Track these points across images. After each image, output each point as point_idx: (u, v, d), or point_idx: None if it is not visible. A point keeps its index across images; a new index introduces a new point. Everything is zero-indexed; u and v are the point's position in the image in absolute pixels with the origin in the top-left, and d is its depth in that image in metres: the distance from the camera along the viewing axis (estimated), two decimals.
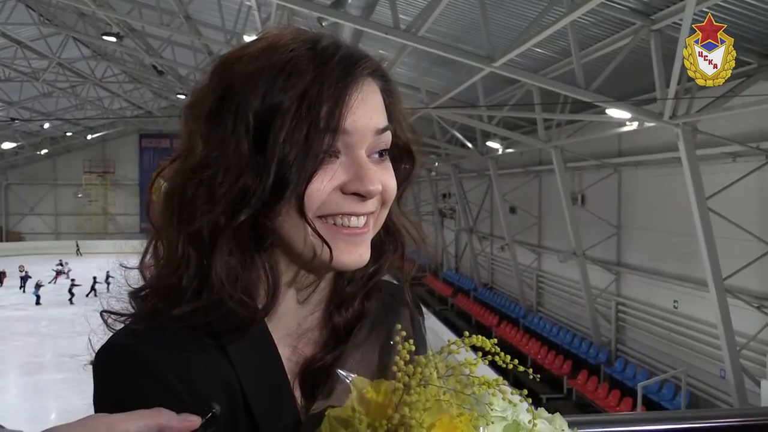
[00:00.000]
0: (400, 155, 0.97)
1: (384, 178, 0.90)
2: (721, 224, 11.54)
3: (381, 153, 0.91)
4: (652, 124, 11.84)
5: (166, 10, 18.41)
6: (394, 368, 0.80)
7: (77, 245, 45.61)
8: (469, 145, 22.22)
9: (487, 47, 11.38)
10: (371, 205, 0.89)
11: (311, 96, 0.83)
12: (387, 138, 0.91)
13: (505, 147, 20.87)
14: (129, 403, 0.77)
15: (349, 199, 0.87)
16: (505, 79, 15.29)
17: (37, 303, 28.47)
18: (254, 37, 0.93)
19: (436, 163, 30.05)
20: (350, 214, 0.88)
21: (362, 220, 0.89)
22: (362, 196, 0.87)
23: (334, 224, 0.88)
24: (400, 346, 0.81)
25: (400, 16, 11.29)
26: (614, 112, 12.15)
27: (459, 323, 23.96)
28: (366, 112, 0.87)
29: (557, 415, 0.88)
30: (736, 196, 12.00)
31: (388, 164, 0.92)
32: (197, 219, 0.85)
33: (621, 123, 13.49)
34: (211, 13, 18.25)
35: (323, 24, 11.58)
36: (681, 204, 12.43)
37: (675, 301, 14.91)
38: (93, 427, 0.73)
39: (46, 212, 49.56)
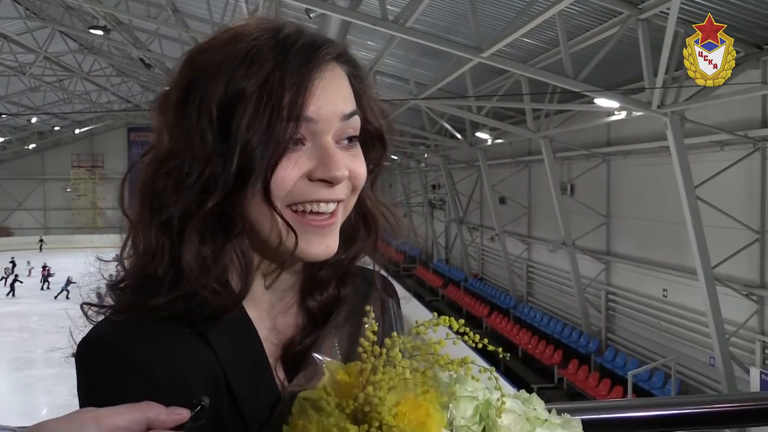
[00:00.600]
0: (371, 141, 0.96)
1: (352, 164, 0.90)
2: (710, 213, 11.60)
3: (350, 139, 0.90)
4: (640, 114, 11.87)
5: (153, 2, 18.32)
6: (359, 349, 0.81)
7: (41, 240, 45.31)
8: (459, 136, 22.21)
9: (475, 38, 11.37)
10: (340, 191, 0.89)
11: (273, 83, 0.83)
12: (355, 124, 0.91)
13: (494, 137, 20.88)
14: (112, 394, 0.78)
15: (317, 185, 0.87)
16: (494, 70, 15.29)
17: (68, 297, 27.75)
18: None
19: (426, 155, 30.07)
20: (319, 201, 0.88)
21: (331, 206, 0.89)
22: (329, 183, 0.87)
23: (303, 212, 0.88)
24: (369, 330, 0.82)
25: (388, 7, 11.26)
26: (603, 102, 12.17)
27: (449, 314, 23.56)
28: (330, 98, 0.87)
29: (533, 395, 0.89)
30: (725, 185, 12.06)
31: (358, 150, 0.92)
32: (168, 209, 0.85)
33: (609, 112, 13.52)
34: (199, 5, 18.14)
35: (311, 16, 11.54)
36: (670, 193, 12.48)
37: (664, 290, 14.98)
38: (81, 421, 0.72)
39: (34, 207, 49.28)
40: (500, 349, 0.89)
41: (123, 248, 0.93)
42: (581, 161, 18.66)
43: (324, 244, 0.90)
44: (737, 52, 10.95)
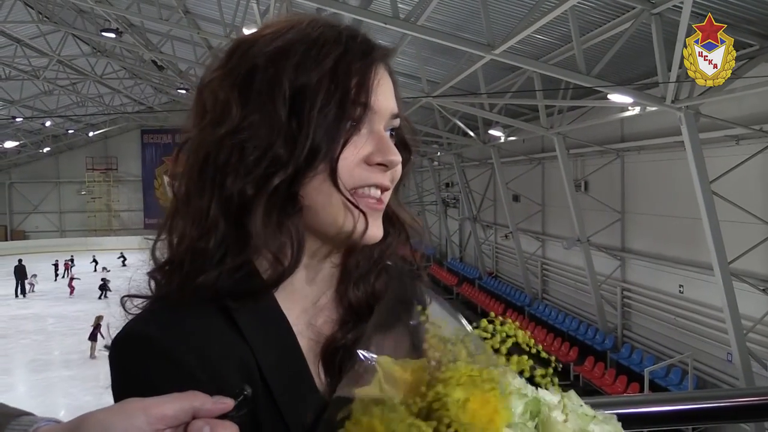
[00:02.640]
0: (398, 147, 0.98)
1: (398, 152, 0.94)
2: (726, 207, 11.51)
3: (390, 133, 0.96)
4: (654, 109, 11.79)
5: (165, 4, 18.39)
6: (425, 346, 0.82)
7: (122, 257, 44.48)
8: (471, 133, 22.18)
9: (487, 35, 11.34)
10: (388, 178, 0.93)
11: (341, 69, 0.88)
12: (397, 122, 0.97)
13: (507, 135, 20.82)
14: (146, 390, 0.78)
15: (374, 169, 0.91)
16: (506, 67, 15.24)
17: (104, 296, 27.89)
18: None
19: (439, 153, 30.03)
20: (374, 185, 0.92)
21: (381, 194, 0.93)
22: (385, 167, 0.91)
23: (360, 196, 0.91)
24: (428, 325, 0.83)
25: (399, 5, 11.25)
26: (616, 97, 12.12)
27: (465, 312, 23.92)
28: (385, 93, 0.93)
29: (572, 392, 0.89)
30: (740, 179, 11.95)
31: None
32: (231, 184, 0.87)
33: (623, 108, 13.44)
34: (210, 7, 18.21)
35: (322, 15, 11.54)
36: (685, 188, 12.40)
37: (680, 286, 14.89)
38: (130, 411, 0.74)
39: (50, 210, 49.59)
40: (553, 358, 0.88)
41: (159, 232, 0.94)
42: (595, 157, 18.57)
43: (375, 226, 0.93)
44: (751, 46, 10.91)
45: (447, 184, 33.81)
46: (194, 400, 0.75)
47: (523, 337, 0.85)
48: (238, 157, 0.87)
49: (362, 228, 0.91)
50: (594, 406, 1.53)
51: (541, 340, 19.12)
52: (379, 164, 0.91)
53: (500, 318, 0.86)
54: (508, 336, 0.85)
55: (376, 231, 0.93)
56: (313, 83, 0.87)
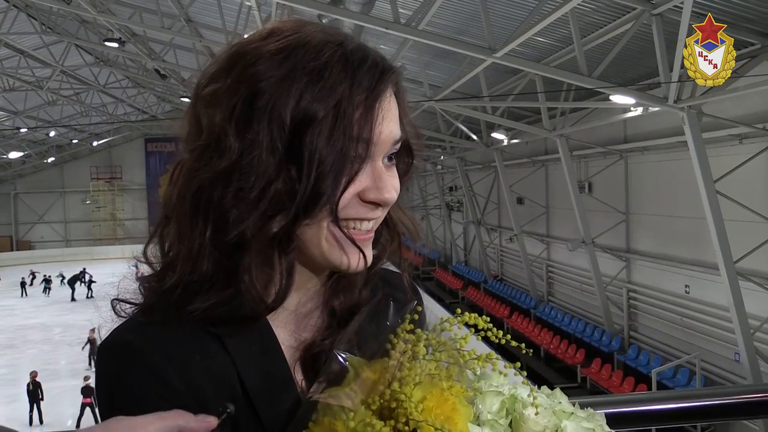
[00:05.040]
0: (400, 151, 0.97)
1: (394, 184, 0.91)
2: (730, 207, 11.48)
3: (389, 157, 0.92)
4: (657, 109, 11.78)
5: (167, 13, 18.42)
6: (387, 346, 0.83)
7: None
8: (474, 137, 22.18)
9: (488, 38, 11.34)
10: (381, 211, 0.91)
11: (346, 104, 0.83)
12: (397, 148, 0.92)
13: (510, 138, 20.82)
14: (128, 398, 0.80)
15: (367, 206, 0.89)
16: (508, 70, 15.25)
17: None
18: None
19: (442, 157, 30.00)
20: (365, 219, 0.90)
21: (371, 224, 0.91)
22: (378, 204, 0.89)
23: (349, 229, 0.89)
24: (399, 328, 0.84)
25: (400, 10, 11.27)
26: (618, 98, 12.11)
27: None
28: (389, 124, 0.88)
29: (557, 390, 0.91)
30: (744, 178, 11.92)
31: (394, 169, 0.93)
32: (230, 225, 0.84)
33: (626, 109, 13.43)
34: (212, 15, 18.25)
35: (323, 21, 11.57)
36: (689, 188, 12.38)
37: (686, 286, 14.85)
38: (114, 430, 0.74)
39: (55, 220, 49.73)
40: (522, 345, 0.92)
41: (147, 244, 0.95)
42: (598, 159, 18.54)
43: (366, 256, 0.91)
44: (753, 44, 10.90)
45: (451, 188, 33.79)
46: (178, 419, 0.76)
47: (483, 322, 0.87)
48: (234, 197, 0.84)
49: (355, 261, 0.90)
50: (599, 405, 1.54)
51: (548, 342, 19.09)
52: (371, 202, 0.88)
53: (463, 314, 0.89)
54: (468, 325, 0.87)
55: (365, 261, 0.92)
56: (317, 120, 0.82)
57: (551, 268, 22.75)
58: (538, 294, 22.69)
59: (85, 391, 15.76)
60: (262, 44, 0.88)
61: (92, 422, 13.30)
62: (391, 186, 0.89)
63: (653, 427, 1.60)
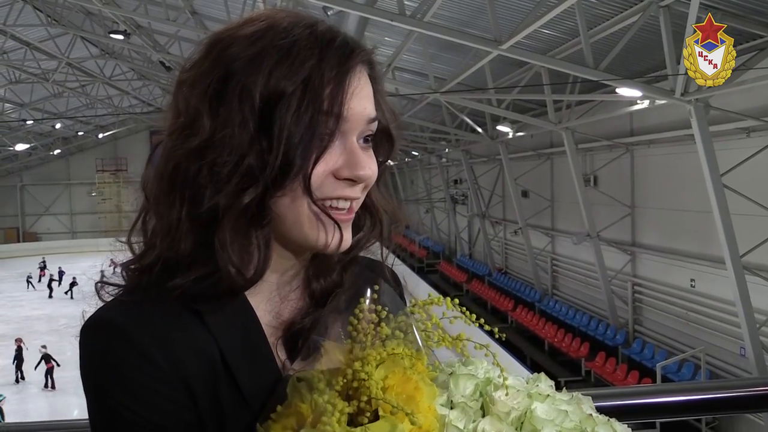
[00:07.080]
0: (380, 137, 0.98)
1: (370, 164, 0.93)
2: (737, 200, 11.42)
3: (366, 139, 0.94)
4: (663, 102, 11.74)
5: (172, 5, 18.44)
6: (349, 328, 0.86)
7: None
8: (479, 129, 22.12)
9: (493, 30, 11.31)
10: (359, 190, 0.93)
11: (314, 81, 0.86)
12: (374, 126, 0.94)
13: (516, 130, 20.74)
14: (110, 372, 0.83)
15: (341, 183, 0.90)
16: (513, 62, 15.20)
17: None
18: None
19: (447, 149, 29.99)
20: (341, 198, 0.91)
21: (350, 203, 0.93)
22: (353, 181, 0.91)
23: (328, 208, 0.91)
24: (356, 310, 0.87)
25: (405, 2, 11.23)
26: (625, 91, 12.04)
27: (475, 309, 23.28)
28: (361, 101, 0.90)
29: (542, 374, 0.93)
30: (751, 172, 11.86)
31: (371, 150, 0.95)
32: (205, 199, 0.86)
33: (632, 102, 13.37)
34: (217, 7, 18.24)
35: (329, 13, 11.53)
36: (695, 181, 12.33)
37: (692, 280, 14.82)
38: None
39: (61, 212, 49.94)
40: (496, 329, 0.94)
41: (132, 227, 0.97)
42: (604, 152, 18.49)
43: (345, 236, 0.93)
44: (761, 37, 10.83)
45: (455, 181, 33.75)
46: None
47: (449, 304, 0.90)
48: (208, 172, 0.86)
49: (332, 239, 0.92)
50: (603, 397, 1.52)
51: (552, 336, 19.08)
52: (347, 179, 0.90)
53: (430, 295, 0.91)
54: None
55: (345, 241, 0.93)
56: (285, 95, 0.85)
57: (556, 261, 22.72)
58: (542, 287, 22.67)
59: None
60: (238, 29, 0.91)
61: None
62: (365, 163, 0.91)
63: (657, 420, 1.59)
